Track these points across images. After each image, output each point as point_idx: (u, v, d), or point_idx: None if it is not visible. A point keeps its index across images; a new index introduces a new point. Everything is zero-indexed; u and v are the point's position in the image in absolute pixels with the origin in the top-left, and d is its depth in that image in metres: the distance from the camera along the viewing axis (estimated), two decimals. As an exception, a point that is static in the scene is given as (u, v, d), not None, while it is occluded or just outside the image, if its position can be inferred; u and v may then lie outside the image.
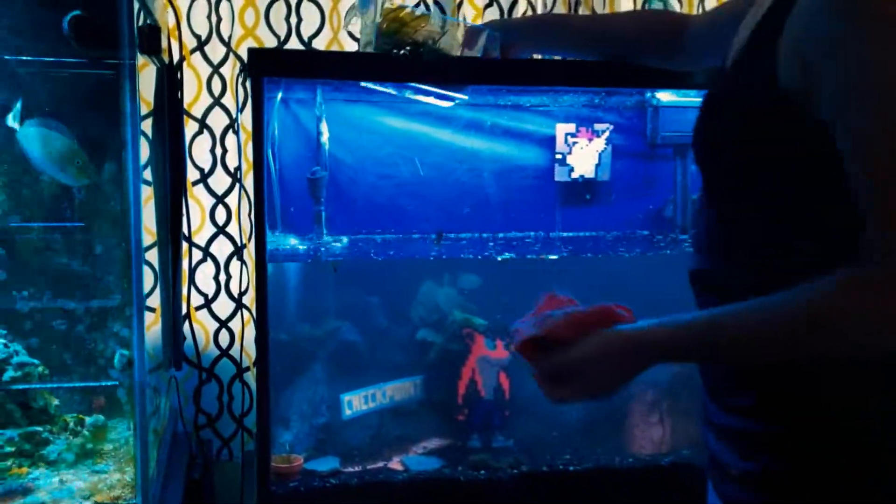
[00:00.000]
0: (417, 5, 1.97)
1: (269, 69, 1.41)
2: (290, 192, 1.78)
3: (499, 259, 1.67)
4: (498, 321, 1.72)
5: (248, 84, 1.46)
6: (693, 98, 1.85)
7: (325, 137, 1.76)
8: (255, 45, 1.90)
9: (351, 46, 1.96)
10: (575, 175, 1.90)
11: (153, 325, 1.84)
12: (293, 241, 1.74)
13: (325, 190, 1.74)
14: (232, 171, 1.93)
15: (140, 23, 1.40)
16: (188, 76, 1.88)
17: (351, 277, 1.67)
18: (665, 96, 1.85)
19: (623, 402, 1.76)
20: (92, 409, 1.61)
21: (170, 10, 1.79)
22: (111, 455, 1.46)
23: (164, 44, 1.55)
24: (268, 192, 1.72)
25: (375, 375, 1.68)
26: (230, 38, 1.90)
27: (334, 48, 1.94)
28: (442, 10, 1.99)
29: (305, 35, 1.93)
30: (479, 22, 2.02)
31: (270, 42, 1.92)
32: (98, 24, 1.30)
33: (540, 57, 1.61)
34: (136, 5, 1.35)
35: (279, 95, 1.74)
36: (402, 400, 1.69)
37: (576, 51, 1.44)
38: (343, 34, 1.96)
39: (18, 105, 1.41)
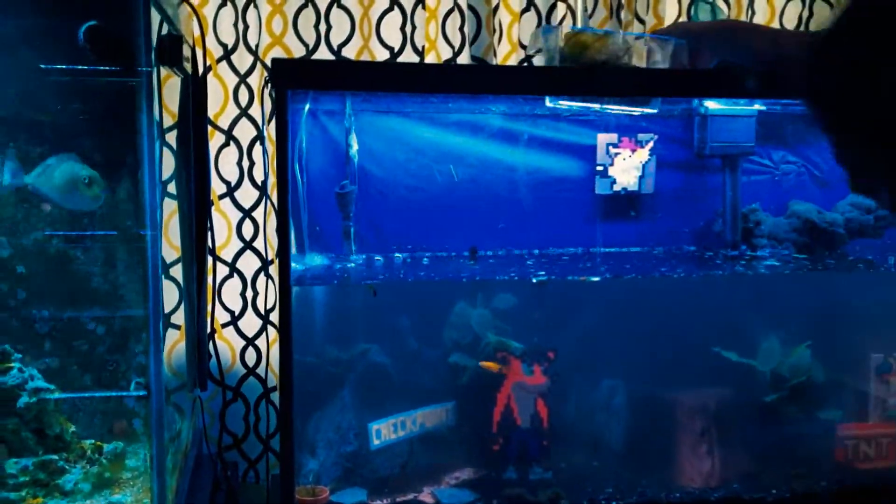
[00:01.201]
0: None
1: (293, 81, 1.35)
2: (318, 207, 1.71)
3: (534, 281, 1.58)
4: (535, 344, 1.63)
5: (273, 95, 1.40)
6: (744, 107, 1.75)
7: (354, 150, 1.69)
8: (282, 53, 1.84)
9: (382, 55, 1.88)
10: (617, 188, 1.80)
11: (178, 342, 1.79)
12: (322, 258, 1.67)
13: (355, 205, 1.67)
14: (260, 184, 1.87)
15: (161, 32, 1.34)
16: (215, 86, 1.82)
17: (380, 297, 1.59)
18: (713, 105, 1.75)
19: (669, 431, 1.66)
20: (114, 432, 1.55)
21: (195, 18, 1.73)
22: (129, 484, 1.40)
23: (189, 53, 1.50)
24: (296, 207, 1.65)
25: (405, 401, 1.60)
26: (257, 46, 1.83)
27: (365, 57, 1.87)
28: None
29: (335, 43, 1.86)
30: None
31: (299, 50, 1.85)
32: (114, 35, 1.24)
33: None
34: (158, 16, 1.30)
35: (307, 107, 1.67)
36: (434, 427, 1.61)
37: (766, 61, 1.38)
38: (374, 42, 1.88)
39: (9, 165, 1.35)
